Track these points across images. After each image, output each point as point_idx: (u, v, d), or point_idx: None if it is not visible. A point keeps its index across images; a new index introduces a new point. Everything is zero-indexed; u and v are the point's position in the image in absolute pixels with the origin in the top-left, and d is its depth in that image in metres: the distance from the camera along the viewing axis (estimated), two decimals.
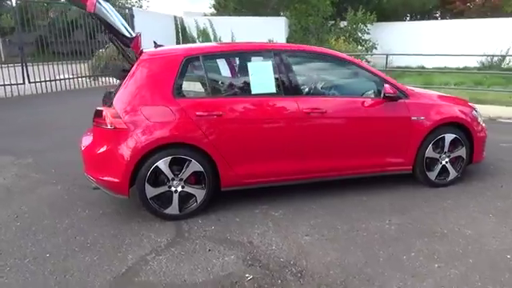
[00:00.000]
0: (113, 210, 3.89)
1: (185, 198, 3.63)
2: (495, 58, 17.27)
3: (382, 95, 3.98)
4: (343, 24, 23.15)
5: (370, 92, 4.06)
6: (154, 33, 16.86)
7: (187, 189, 3.62)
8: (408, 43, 18.72)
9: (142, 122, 3.47)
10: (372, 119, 4.01)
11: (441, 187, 4.32)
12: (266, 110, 3.74)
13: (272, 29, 17.95)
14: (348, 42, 21.14)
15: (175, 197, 3.60)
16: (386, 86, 3.95)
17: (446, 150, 4.27)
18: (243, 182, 3.78)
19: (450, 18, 25.50)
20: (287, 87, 3.80)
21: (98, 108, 3.55)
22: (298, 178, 3.95)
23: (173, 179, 3.57)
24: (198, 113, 3.55)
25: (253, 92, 3.75)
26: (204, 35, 18.87)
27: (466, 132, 4.32)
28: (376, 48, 21.35)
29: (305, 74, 3.91)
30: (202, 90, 3.75)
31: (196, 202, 3.67)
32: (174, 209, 3.62)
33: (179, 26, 18.25)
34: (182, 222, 3.61)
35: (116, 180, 3.49)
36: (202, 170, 3.60)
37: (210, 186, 3.68)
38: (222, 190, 3.79)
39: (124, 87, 3.53)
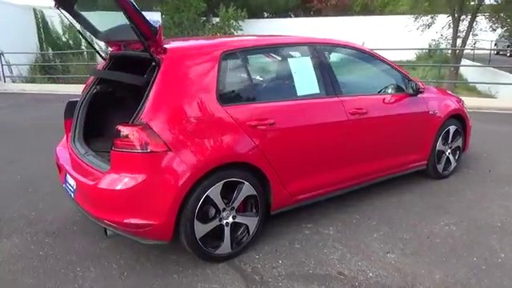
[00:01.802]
0: (133, 261, 2.89)
1: (235, 230, 2.89)
2: None
3: (412, 90, 3.79)
4: (215, 20, 22.96)
5: (392, 87, 3.82)
6: (5, 28, 14.14)
7: (238, 219, 2.88)
8: None
9: (188, 140, 2.60)
10: (402, 116, 3.80)
11: (442, 178, 4.36)
12: (315, 113, 3.19)
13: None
14: None
15: (227, 231, 2.82)
16: (415, 80, 3.77)
17: (449, 141, 4.32)
18: (294, 200, 3.18)
19: (311, 16, 27.45)
20: (328, 86, 3.31)
21: (121, 127, 2.54)
22: (345, 187, 3.52)
23: (224, 209, 2.79)
24: (249, 123, 2.82)
25: (298, 94, 3.16)
26: (71, 32, 16.56)
27: (461, 123, 4.44)
28: None
29: (337, 69, 3.46)
30: (246, 93, 3.00)
31: (248, 233, 2.95)
32: (225, 247, 2.84)
33: (40, 20, 15.60)
34: (237, 263, 2.86)
35: (155, 222, 2.56)
36: (255, 193, 2.90)
37: (262, 212, 3.00)
38: (271, 214, 3.13)
39: (154, 95, 2.59)
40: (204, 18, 23.07)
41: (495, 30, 14.55)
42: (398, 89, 3.83)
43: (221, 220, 2.79)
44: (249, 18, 24.70)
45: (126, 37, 2.95)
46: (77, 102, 3.44)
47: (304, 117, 3.13)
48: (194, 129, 2.64)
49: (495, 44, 21.39)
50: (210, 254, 2.78)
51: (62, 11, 3.19)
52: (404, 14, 18.26)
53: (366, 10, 25.88)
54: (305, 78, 3.21)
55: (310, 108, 3.17)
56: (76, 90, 11.58)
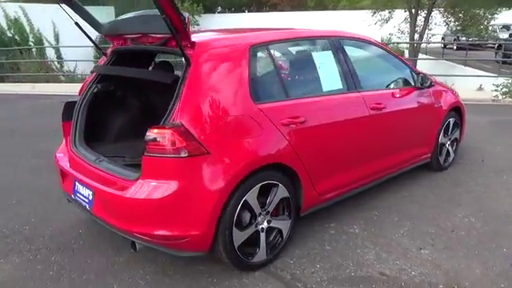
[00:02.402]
0: (160, 275, 2.63)
1: (269, 235, 2.72)
2: None
3: (419, 84, 3.77)
4: None
5: (401, 81, 3.78)
6: None
7: (273, 223, 2.71)
8: None
9: (225, 141, 2.39)
10: (413, 110, 3.78)
11: (443, 170, 4.41)
12: (340, 109, 3.08)
13: (103, 19, 15.82)
14: None
15: (262, 237, 2.64)
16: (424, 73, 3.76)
17: (449, 133, 4.37)
18: (322, 200, 3.06)
19: (266, 10, 27.42)
20: (350, 81, 3.20)
21: (154, 130, 2.28)
22: (366, 183, 3.44)
23: (259, 214, 2.61)
24: (282, 121, 2.65)
25: (324, 90, 3.02)
26: (16, 27, 15.43)
27: (459, 115, 4.51)
28: None
29: (356, 64, 3.36)
30: (277, 89, 2.81)
31: (281, 237, 2.79)
32: (261, 254, 2.66)
33: None
34: (273, 270, 2.69)
35: (194, 233, 2.33)
36: (289, 194, 2.74)
37: (294, 214, 2.85)
38: (300, 216, 2.98)
39: (187, 93, 2.35)
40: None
41: (448, 25, 15.21)
42: (407, 82, 3.81)
43: (256, 226, 2.60)
44: (204, 12, 24.26)
45: (142, 29, 2.67)
46: (75, 102, 3.10)
47: (331, 113, 3.00)
48: (231, 129, 2.43)
49: (442, 38, 22.43)
50: (247, 262, 2.59)
51: (62, 5, 2.83)
52: (362, 9, 18.66)
53: (320, 6, 26.25)
54: (329, 72, 3.08)
55: (335, 104, 3.05)
56: (28, 89, 10.88)
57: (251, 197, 2.50)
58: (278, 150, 2.62)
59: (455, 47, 22.87)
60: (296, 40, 3.17)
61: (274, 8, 26.85)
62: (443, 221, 3.34)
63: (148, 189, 2.31)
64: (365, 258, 2.82)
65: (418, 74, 3.86)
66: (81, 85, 3.29)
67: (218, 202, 2.34)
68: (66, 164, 2.93)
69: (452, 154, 4.48)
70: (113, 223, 2.47)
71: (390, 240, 3.06)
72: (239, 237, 2.50)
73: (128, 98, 3.43)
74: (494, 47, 15.69)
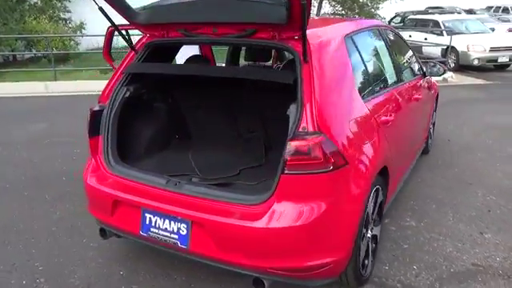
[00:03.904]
0: None
1: (372, 243, 2.52)
2: None
3: (439, 73, 3.87)
4: (34, 0, 19.28)
5: (416, 69, 3.82)
6: None
7: (374, 230, 2.51)
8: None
9: (355, 148, 2.10)
10: (425, 97, 3.85)
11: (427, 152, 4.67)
12: (402, 102, 2.98)
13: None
14: (54, 22, 17.84)
15: (370, 247, 2.44)
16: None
17: (434, 116, 4.64)
18: (390, 197, 2.94)
19: None
20: (398, 73, 3.12)
21: (295, 143, 1.87)
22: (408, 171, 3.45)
23: (370, 222, 2.39)
24: (381, 118, 2.45)
25: (389, 82, 2.88)
26: None
27: (437, 100, 4.78)
28: (84, 28, 18.94)
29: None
30: (368, 84, 2.54)
31: (376, 243, 2.61)
32: (370, 265, 2.45)
33: None
34: (378, 280, 2.50)
35: (336, 257, 2.01)
36: (383, 197, 2.57)
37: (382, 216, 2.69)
38: None
39: (315, 96, 1.97)
40: None
41: (335, 14, 16.19)
42: (419, 70, 3.86)
43: (368, 235, 2.38)
44: None
45: (216, 18, 2.19)
46: (102, 111, 2.43)
47: (399, 106, 2.89)
48: (356, 133, 2.15)
49: None
50: (363, 277, 2.36)
51: None
52: None
53: None
54: (387, 65, 2.95)
55: (400, 97, 2.94)
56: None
57: (370, 206, 2.27)
58: (384, 151, 2.41)
59: None
60: (372, 29, 2.95)
61: None
62: (472, 202, 3.51)
63: (290, 214, 1.90)
64: (447, 252, 2.81)
65: (425, 62, 3.97)
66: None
67: (358, 217, 2.06)
68: (112, 189, 2.27)
69: (432, 136, 4.77)
70: (230, 260, 1.99)
71: (449, 228, 3.10)
72: (362, 251, 2.26)
73: (155, 101, 2.84)
74: None
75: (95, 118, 2.41)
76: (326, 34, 2.29)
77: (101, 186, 2.30)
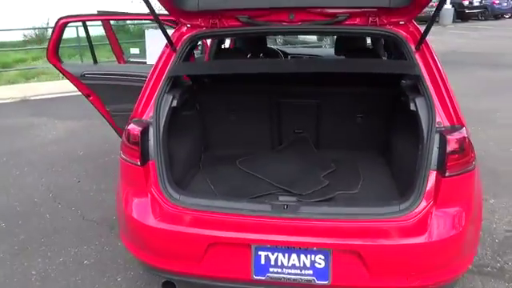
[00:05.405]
0: None
1: None
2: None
3: None
4: None
5: None
6: None
7: None
8: None
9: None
10: None
11: None
12: None
13: None
14: None
15: None
16: None
17: None
18: None
19: None
20: None
21: (454, 137, 1.67)
22: None
23: None
24: None
25: None
26: None
27: None
28: None
29: None
30: None
31: None
32: None
33: None
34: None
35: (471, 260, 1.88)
36: None
37: None
38: None
39: (442, 82, 1.85)
40: None
41: None
42: None
43: None
44: None
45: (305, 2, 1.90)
46: (148, 127, 1.90)
47: None
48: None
49: None
50: None
51: None
52: None
53: None
54: None
55: None
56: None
57: None
58: None
59: None
60: None
61: None
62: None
63: (450, 221, 1.69)
64: None
65: None
66: None
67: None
68: (211, 229, 1.75)
69: None
70: (386, 286, 1.68)
71: None
72: None
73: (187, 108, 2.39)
74: None
75: (143, 138, 1.85)
76: None
77: (187, 228, 1.76)
